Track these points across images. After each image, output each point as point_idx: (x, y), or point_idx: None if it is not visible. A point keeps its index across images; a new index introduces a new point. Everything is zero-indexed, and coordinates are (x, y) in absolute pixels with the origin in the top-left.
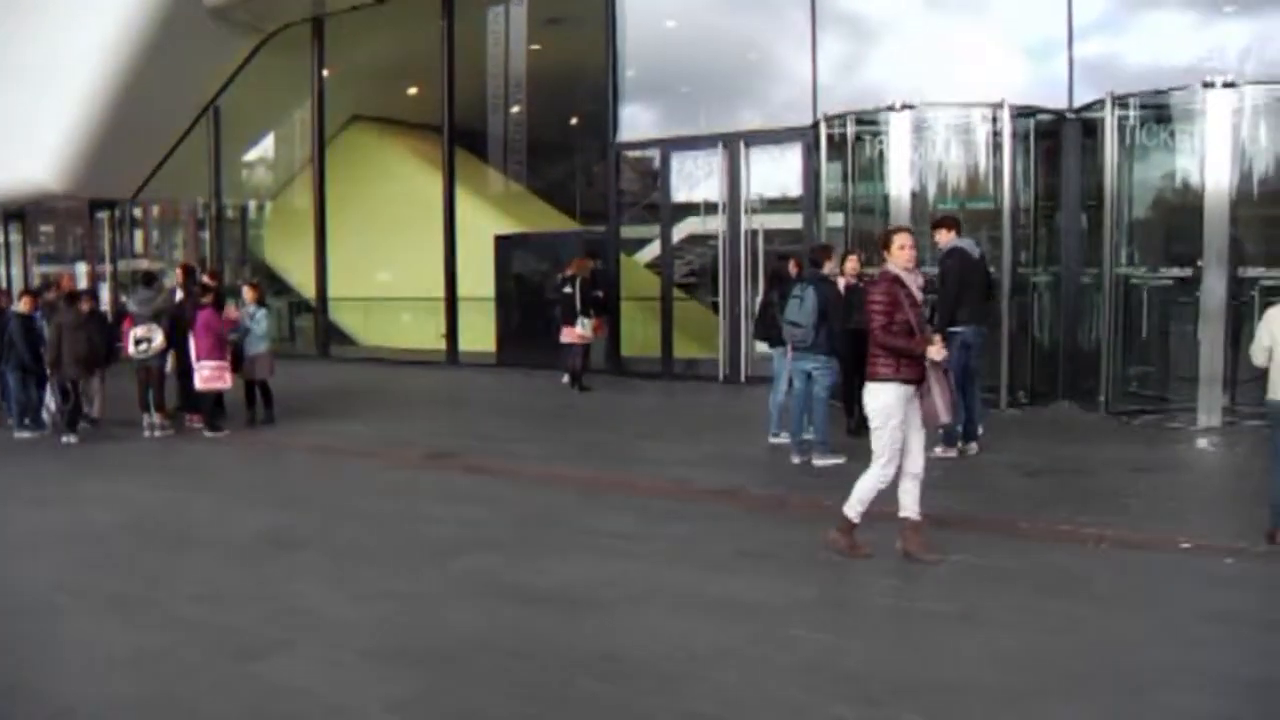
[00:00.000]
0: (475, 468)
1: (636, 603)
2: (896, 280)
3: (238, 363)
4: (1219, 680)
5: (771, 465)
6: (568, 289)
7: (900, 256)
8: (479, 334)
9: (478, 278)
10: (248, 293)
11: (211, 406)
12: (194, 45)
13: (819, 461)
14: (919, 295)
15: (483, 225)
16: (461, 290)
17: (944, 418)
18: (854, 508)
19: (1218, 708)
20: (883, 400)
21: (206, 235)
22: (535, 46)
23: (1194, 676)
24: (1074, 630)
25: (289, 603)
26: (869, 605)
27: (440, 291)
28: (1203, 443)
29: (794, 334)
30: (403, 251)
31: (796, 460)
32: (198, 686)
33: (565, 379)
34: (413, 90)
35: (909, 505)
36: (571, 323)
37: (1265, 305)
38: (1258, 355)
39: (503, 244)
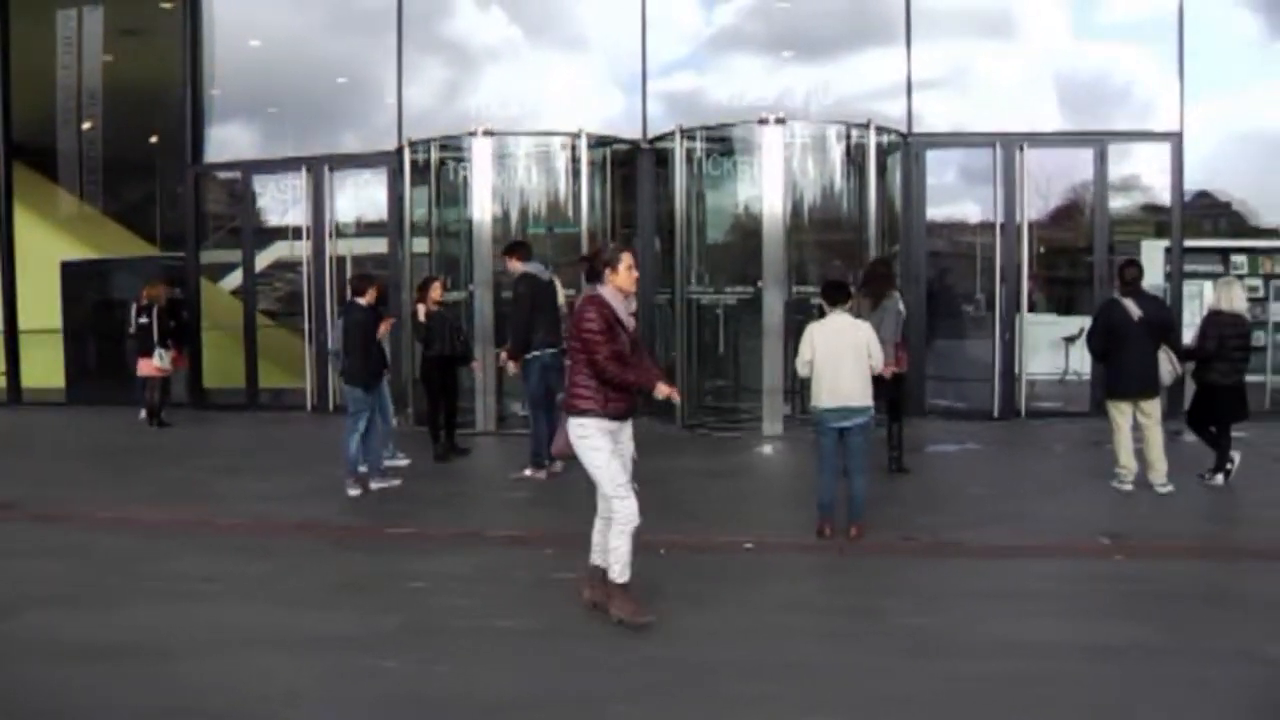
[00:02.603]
0: (41, 516)
1: (212, 647)
2: (604, 304)
3: None
4: (771, 667)
5: (357, 495)
6: (143, 319)
7: (628, 279)
8: (46, 370)
9: (43, 308)
10: None
11: None
12: None
13: (349, 491)
14: (630, 321)
15: (49, 251)
16: (23, 322)
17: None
18: (619, 573)
19: (775, 692)
20: (586, 436)
21: None
22: (110, 58)
23: (748, 665)
24: (650, 634)
25: None
26: (455, 629)
27: None
28: (767, 449)
29: (331, 361)
30: None
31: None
32: None
33: (143, 415)
34: None
35: (601, 553)
36: (149, 354)
37: None
38: (801, 367)
39: (71, 271)
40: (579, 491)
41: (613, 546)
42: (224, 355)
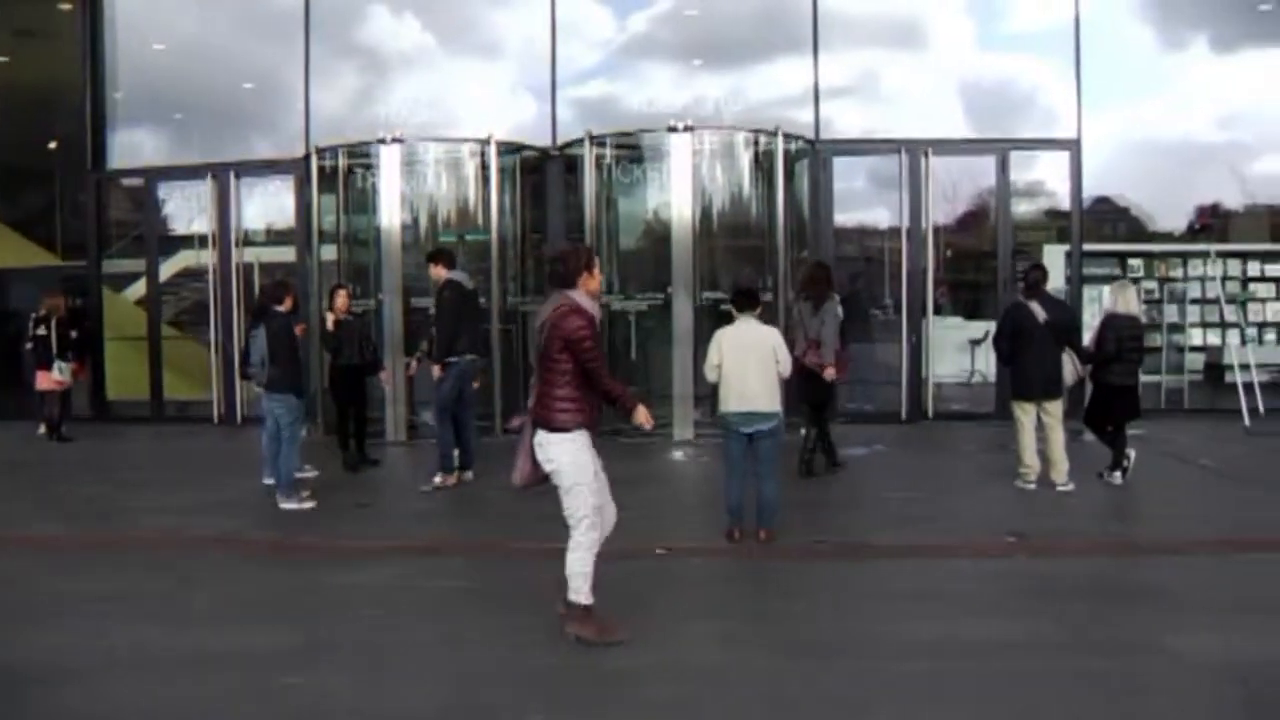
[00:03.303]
0: None
1: (113, 668)
2: (586, 310)
3: None
4: (683, 672)
5: (266, 508)
6: (41, 330)
7: (598, 283)
8: None
9: None
10: None
11: None
12: None
13: (284, 505)
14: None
15: None
16: None
17: (514, 479)
18: (577, 593)
19: (688, 696)
20: (572, 453)
21: None
22: (4, 59)
23: (661, 671)
24: (554, 643)
25: None
26: (364, 642)
27: None
28: (677, 455)
29: (253, 373)
30: None
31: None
32: None
33: (42, 429)
34: None
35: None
36: (47, 367)
37: None
38: (709, 373)
39: None
40: (488, 500)
41: (576, 569)
42: (128, 367)
